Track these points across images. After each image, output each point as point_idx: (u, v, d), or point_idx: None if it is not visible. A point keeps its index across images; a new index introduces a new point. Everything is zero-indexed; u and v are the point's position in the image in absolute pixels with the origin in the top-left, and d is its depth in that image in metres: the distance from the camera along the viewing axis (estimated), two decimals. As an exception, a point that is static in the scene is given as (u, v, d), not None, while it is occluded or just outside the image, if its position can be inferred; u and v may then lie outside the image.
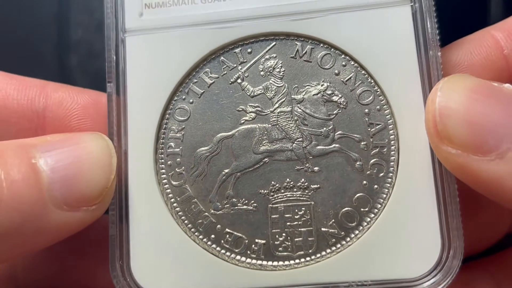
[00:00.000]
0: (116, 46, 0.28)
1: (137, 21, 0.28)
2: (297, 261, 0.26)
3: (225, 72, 0.27)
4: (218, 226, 0.26)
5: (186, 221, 0.26)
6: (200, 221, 0.26)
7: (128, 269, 0.26)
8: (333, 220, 0.26)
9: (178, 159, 0.27)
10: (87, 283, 0.30)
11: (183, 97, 0.27)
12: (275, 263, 0.26)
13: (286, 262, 0.26)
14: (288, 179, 0.26)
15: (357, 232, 0.26)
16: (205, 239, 0.26)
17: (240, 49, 0.28)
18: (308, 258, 0.26)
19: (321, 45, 0.27)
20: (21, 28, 0.38)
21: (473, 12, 0.34)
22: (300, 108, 0.27)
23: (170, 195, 0.27)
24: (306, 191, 0.26)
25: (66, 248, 0.29)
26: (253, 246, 0.26)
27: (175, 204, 0.27)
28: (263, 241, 0.26)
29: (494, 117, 0.23)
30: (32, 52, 0.38)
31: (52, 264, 0.30)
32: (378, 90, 0.26)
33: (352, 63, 0.27)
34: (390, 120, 0.26)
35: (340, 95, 0.27)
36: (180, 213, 0.26)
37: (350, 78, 0.27)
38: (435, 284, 0.24)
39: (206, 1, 0.28)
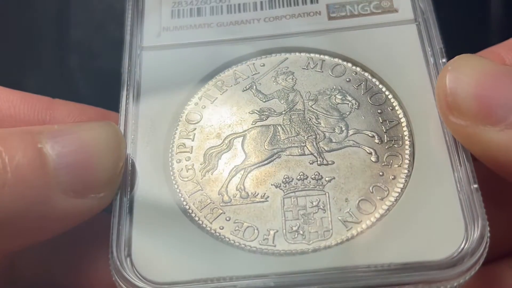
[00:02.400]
0: (132, 59, 0.28)
1: (155, 40, 0.29)
2: (312, 247, 0.24)
3: (239, 82, 0.28)
4: (228, 217, 0.25)
5: (193, 213, 0.25)
6: (209, 213, 0.25)
7: (129, 258, 0.24)
8: (349, 208, 0.24)
9: (188, 155, 0.26)
10: (86, 278, 0.27)
11: (196, 102, 0.28)
12: (289, 249, 0.24)
13: (300, 249, 0.24)
14: (301, 172, 0.25)
15: (374, 219, 0.24)
16: (213, 230, 0.24)
17: (253, 62, 0.28)
18: (323, 244, 0.24)
19: (332, 58, 0.28)
20: (21, 28, 0.38)
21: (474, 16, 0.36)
22: (313, 109, 0.27)
23: (178, 189, 0.26)
24: (320, 182, 0.25)
25: (65, 242, 0.27)
26: (264, 235, 0.24)
27: (182, 198, 0.25)
28: (276, 230, 0.24)
29: (503, 90, 0.23)
30: (32, 52, 0.38)
31: (51, 258, 0.28)
32: (390, 94, 0.27)
33: (363, 72, 0.28)
34: (403, 119, 0.26)
35: (351, 98, 0.27)
36: (187, 205, 0.25)
37: (362, 84, 0.27)
38: (465, 262, 0.22)
39: (222, 25, 0.30)
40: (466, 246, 0.23)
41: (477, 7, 0.37)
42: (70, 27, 0.39)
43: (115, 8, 0.29)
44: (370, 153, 0.25)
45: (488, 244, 0.23)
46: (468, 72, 0.24)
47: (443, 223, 0.24)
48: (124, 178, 0.25)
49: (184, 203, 0.25)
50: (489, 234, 0.23)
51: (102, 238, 0.25)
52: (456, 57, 0.25)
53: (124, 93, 0.28)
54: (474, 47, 0.29)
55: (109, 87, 0.28)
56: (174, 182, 0.26)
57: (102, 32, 0.28)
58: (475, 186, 0.24)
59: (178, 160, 0.26)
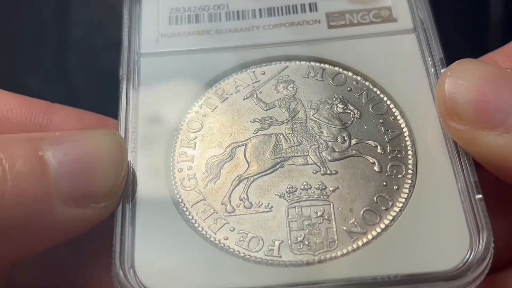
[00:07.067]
0: (130, 66, 0.28)
1: (153, 46, 0.29)
2: (317, 258, 0.24)
3: (239, 90, 0.28)
4: (232, 227, 0.25)
5: (196, 224, 0.25)
6: (213, 224, 0.25)
7: (133, 269, 0.23)
8: (354, 219, 0.24)
9: (190, 164, 0.26)
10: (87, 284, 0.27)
11: (196, 110, 0.27)
12: (295, 260, 0.24)
13: (306, 259, 0.24)
14: (304, 181, 0.25)
15: (379, 229, 0.24)
16: (217, 241, 0.24)
17: (254, 70, 0.28)
18: (329, 255, 0.24)
19: (332, 67, 0.28)
20: (21, 28, 0.38)
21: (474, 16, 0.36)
22: (315, 118, 0.27)
23: (180, 199, 0.25)
24: (324, 192, 0.25)
25: (66, 250, 0.26)
26: (269, 246, 0.24)
27: (185, 208, 0.25)
28: (281, 241, 0.24)
29: (501, 94, 0.24)
30: (32, 52, 0.37)
31: (51, 267, 0.27)
32: (392, 104, 0.27)
33: (364, 81, 0.28)
34: (405, 128, 0.26)
35: (353, 107, 0.27)
36: (190, 215, 0.25)
37: (363, 93, 0.27)
38: (470, 273, 0.23)
39: (221, 32, 0.29)
40: (471, 257, 0.23)
41: (478, 14, 0.37)
42: (70, 27, 0.38)
43: (115, 8, 0.29)
44: (374, 163, 0.25)
45: (493, 254, 0.23)
46: (466, 77, 0.24)
47: (448, 234, 0.24)
48: (126, 187, 0.25)
49: (187, 213, 0.25)
50: (493, 245, 0.23)
51: (103, 245, 0.24)
52: (456, 62, 0.25)
53: (123, 100, 0.27)
54: (474, 55, 0.29)
55: (109, 87, 0.27)
56: (176, 191, 0.25)
57: (101, 32, 0.28)
58: (479, 196, 0.24)
59: (179, 169, 0.26)
